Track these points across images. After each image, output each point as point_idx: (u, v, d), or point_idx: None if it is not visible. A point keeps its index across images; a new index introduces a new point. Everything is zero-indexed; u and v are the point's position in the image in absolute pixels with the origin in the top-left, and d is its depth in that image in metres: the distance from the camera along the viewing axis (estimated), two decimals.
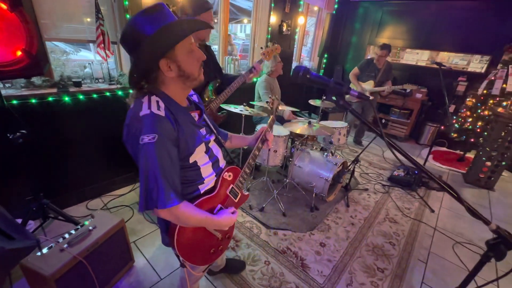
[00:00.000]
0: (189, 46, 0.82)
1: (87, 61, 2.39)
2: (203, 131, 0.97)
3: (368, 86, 3.60)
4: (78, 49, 3.15)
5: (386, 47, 3.42)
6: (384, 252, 2.03)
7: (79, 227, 1.46)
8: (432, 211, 2.61)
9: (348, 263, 1.89)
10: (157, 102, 0.82)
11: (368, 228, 2.28)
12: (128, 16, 2.09)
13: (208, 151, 0.99)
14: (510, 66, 3.22)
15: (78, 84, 2.00)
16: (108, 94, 2.14)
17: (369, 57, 3.62)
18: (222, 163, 1.10)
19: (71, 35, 2.05)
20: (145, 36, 0.75)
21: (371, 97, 3.62)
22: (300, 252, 1.94)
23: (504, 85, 3.25)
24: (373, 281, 1.77)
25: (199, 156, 0.94)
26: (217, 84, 1.97)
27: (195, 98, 1.06)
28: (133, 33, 0.77)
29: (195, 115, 0.98)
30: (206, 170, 0.99)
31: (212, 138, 1.04)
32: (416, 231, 2.30)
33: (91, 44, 2.34)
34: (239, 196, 1.12)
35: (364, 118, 0.81)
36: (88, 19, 2.07)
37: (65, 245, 1.32)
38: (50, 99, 1.84)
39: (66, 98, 1.92)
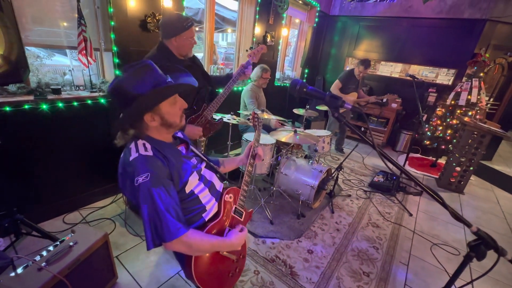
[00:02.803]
0: (173, 99, 0.88)
1: (62, 66, 2.29)
2: (193, 160, 1.01)
3: (352, 97, 3.75)
4: (52, 53, 3.01)
5: (369, 64, 3.57)
6: (368, 256, 2.10)
7: (58, 243, 1.37)
8: (410, 214, 2.74)
9: (335, 268, 1.93)
10: (144, 144, 0.87)
11: (353, 233, 2.35)
12: (112, 23, 2.04)
13: (202, 178, 1.02)
14: (473, 79, 3.54)
15: (57, 92, 1.91)
16: (89, 102, 2.06)
17: (348, 69, 3.76)
18: (218, 186, 1.12)
19: (51, 39, 1.97)
20: (136, 95, 0.81)
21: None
22: (288, 260, 1.96)
23: (469, 97, 3.56)
24: (359, 285, 1.81)
25: (193, 184, 0.97)
26: (207, 93, 1.97)
27: (179, 134, 1.10)
28: (123, 90, 0.82)
29: (181, 148, 1.02)
30: (205, 197, 1.01)
31: (203, 165, 1.07)
32: (397, 234, 2.40)
33: (67, 50, 2.25)
34: (244, 215, 1.15)
35: (353, 127, 0.86)
36: (68, 24, 2.00)
37: (43, 264, 1.23)
38: (26, 107, 1.74)
39: (44, 106, 1.82)
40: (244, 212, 1.15)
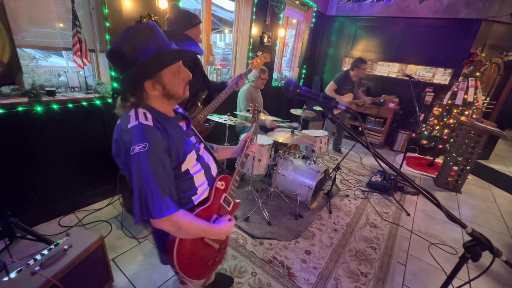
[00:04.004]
0: (177, 68, 0.84)
1: (58, 67, 2.26)
2: (192, 139, 0.98)
3: (348, 99, 3.74)
4: (48, 55, 2.98)
5: (357, 65, 3.51)
6: (366, 256, 2.09)
7: (52, 246, 1.35)
8: (408, 214, 2.75)
9: (333, 269, 1.93)
10: (144, 113, 0.82)
11: (350, 234, 2.34)
12: (107, 24, 2.03)
13: (199, 158, 0.98)
14: (469, 78, 3.55)
15: (51, 93, 1.89)
16: (84, 103, 2.04)
17: (344, 70, 3.74)
18: (214, 171, 1.09)
19: (45, 41, 1.95)
20: (136, 59, 0.75)
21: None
22: (286, 261, 1.95)
23: (466, 96, 3.57)
24: (357, 286, 1.81)
25: (190, 164, 0.93)
26: (204, 95, 1.96)
27: (180, 110, 1.07)
28: (121, 53, 0.76)
29: (182, 124, 0.98)
30: (199, 179, 0.98)
31: (202, 146, 1.04)
32: (395, 234, 2.40)
33: (63, 51, 2.23)
34: (231, 205, 1.13)
35: (349, 129, 0.85)
36: (63, 25, 1.98)
37: (37, 268, 1.21)
38: (20, 109, 1.72)
39: (38, 108, 1.80)
40: (232, 202, 1.13)
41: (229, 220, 1.03)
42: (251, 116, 1.40)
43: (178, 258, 0.90)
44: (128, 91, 0.82)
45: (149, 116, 0.82)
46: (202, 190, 1.00)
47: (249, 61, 2.03)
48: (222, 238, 1.05)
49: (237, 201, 1.19)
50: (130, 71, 0.75)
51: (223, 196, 1.08)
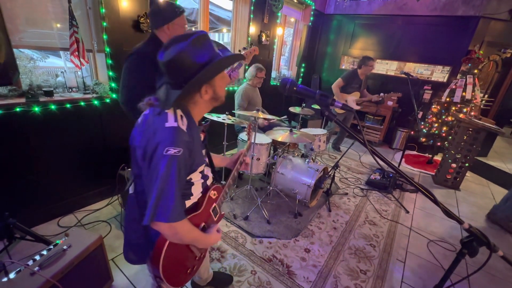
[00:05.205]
0: (223, 72, 0.89)
1: (56, 68, 2.25)
2: (204, 151, 1.01)
3: (355, 97, 3.72)
4: (46, 55, 2.97)
5: (364, 62, 3.55)
6: (365, 254, 2.10)
7: (51, 247, 1.35)
8: (407, 212, 2.75)
9: (332, 267, 1.93)
10: (182, 116, 0.85)
11: (350, 232, 2.35)
12: (104, 24, 2.02)
13: (203, 170, 1.02)
14: (467, 76, 3.56)
15: (49, 94, 1.89)
16: (82, 103, 2.04)
17: (352, 69, 3.73)
18: (210, 181, 1.12)
19: (42, 41, 1.94)
20: (199, 65, 0.79)
21: (358, 107, 3.74)
22: (285, 259, 1.95)
23: (464, 93, 3.57)
24: (356, 284, 1.81)
25: (195, 174, 0.96)
26: None
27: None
28: (187, 60, 0.79)
29: (201, 136, 1.01)
30: (197, 188, 1.01)
31: (207, 159, 1.08)
32: (394, 232, 2.41)
33: (61, 51, 2.23)
34: (218, 215, 1.15)
35: (347, 126, 0.85)
36: (60, 25, 1.98)
37: (36, 268, 1.21)
38: (17, 109, 1.72)
39: (36, 109, 1.80)
40: (218, 213, 1.15)
41: (218, 231, 1.04)
42: (245, 134, 1.44)
43: (164, 262, 0.90)
44: (185, 97, 0.85)
45: (184, 120, 0.84)
46: (196, 196, 1.02)
47: (242, 52, 2.06)
48: (207, 247, 1.08)
49: (223, 212, 1.21)
50: (197, 76, 0.79)
51: (213, 206, 1.10)
